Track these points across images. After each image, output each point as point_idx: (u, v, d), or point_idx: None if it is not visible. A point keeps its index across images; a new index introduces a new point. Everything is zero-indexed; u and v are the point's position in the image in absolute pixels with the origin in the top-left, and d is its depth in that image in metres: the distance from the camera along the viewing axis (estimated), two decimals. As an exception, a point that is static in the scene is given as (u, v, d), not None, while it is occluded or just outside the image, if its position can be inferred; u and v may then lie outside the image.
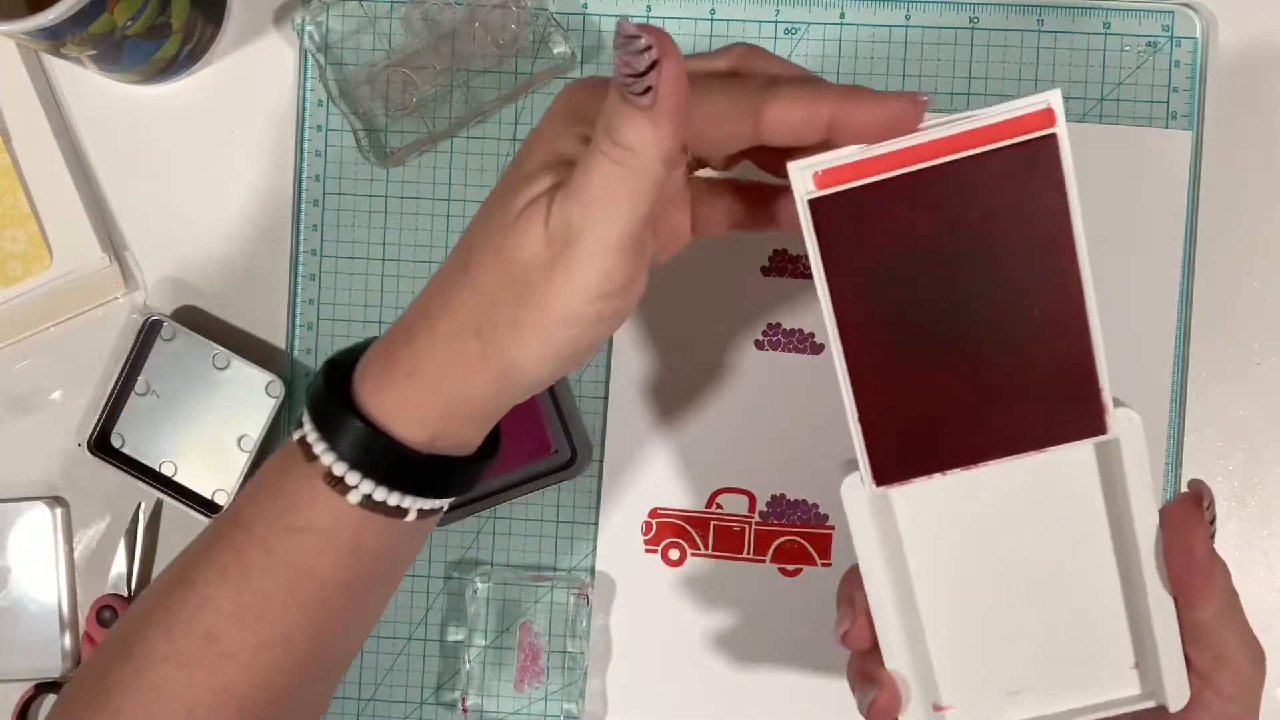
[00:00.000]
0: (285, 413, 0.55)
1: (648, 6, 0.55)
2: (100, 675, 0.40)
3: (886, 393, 0.36)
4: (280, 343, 0.56)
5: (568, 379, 0.54)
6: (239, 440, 0.55)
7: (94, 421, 0.55)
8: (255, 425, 0.55)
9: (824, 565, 0.54)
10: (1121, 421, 0.36)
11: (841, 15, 0.54)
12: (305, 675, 0.40)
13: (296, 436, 0.39)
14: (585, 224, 0.34)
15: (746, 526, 0.54)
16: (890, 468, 0.36)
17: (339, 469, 0.38)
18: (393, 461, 0.38)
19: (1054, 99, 0.34)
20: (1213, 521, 0.38)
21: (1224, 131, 0.53)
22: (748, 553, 0.54)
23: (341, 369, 0.40)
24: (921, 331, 0.35)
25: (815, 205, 0.34)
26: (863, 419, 0.36)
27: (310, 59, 0.55)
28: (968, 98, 0.54)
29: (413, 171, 0.55)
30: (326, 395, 0.38)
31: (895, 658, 0.38)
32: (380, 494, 0.38)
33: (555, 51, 0.54)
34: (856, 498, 0.37)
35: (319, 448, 0.38)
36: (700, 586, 0.54)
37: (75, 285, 0.55)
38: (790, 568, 0.54)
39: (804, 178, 0.35)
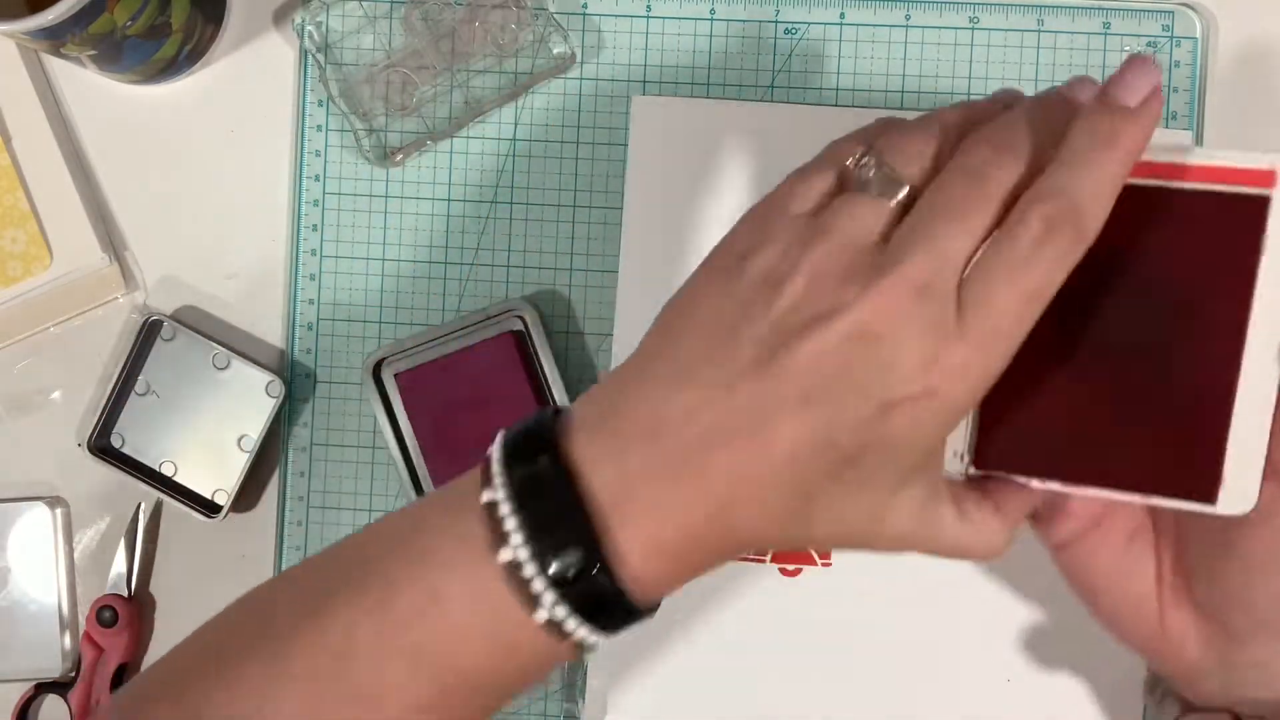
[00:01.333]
0: (285, 412, 0.55)
1: (648, 6, 0.55)
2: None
3: (1013, 386, 0.34)
4: (280, 343, 0.56)
5: (571, 377, 0.54)
6: (239, 440, 0.55)
7: (94, 421, 0.55)
8: (255, 425, 0.55)
9: (824, 565, 0.54)
10: (1234, 497, 0.34)
11: (841, 15, 0.54)
12: None
13: (530, 599, 0.33)
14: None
15: (746, 526, 0.54)
16: (992, 456, 0.36)
17: (582, 634, 0.34)
18: (611, 611, 0.34)
19: (1279, 162, 0.33)
20: None
21: (1224, 132, 0.53)
22: (748, 553, 0.54)
23: (567, 498, 0.34)
24: (1065, 336, 0.34)
25: None
26: (984, 401, 0.34)
27: (310, 59, 0.55)
28: (968, 98, 0.54)
29: (413, 172, 0.55)
30: (570, 547, 0.33)
31: None
32: (588, 637, 0.35)
33: (555, 52, 0.54)
34: None
35: (572, 624, 0.34)
36: (700, 586, 0.54)
37: (75, 285, 0.55)
38: (790, 567, 0.54)
39: None
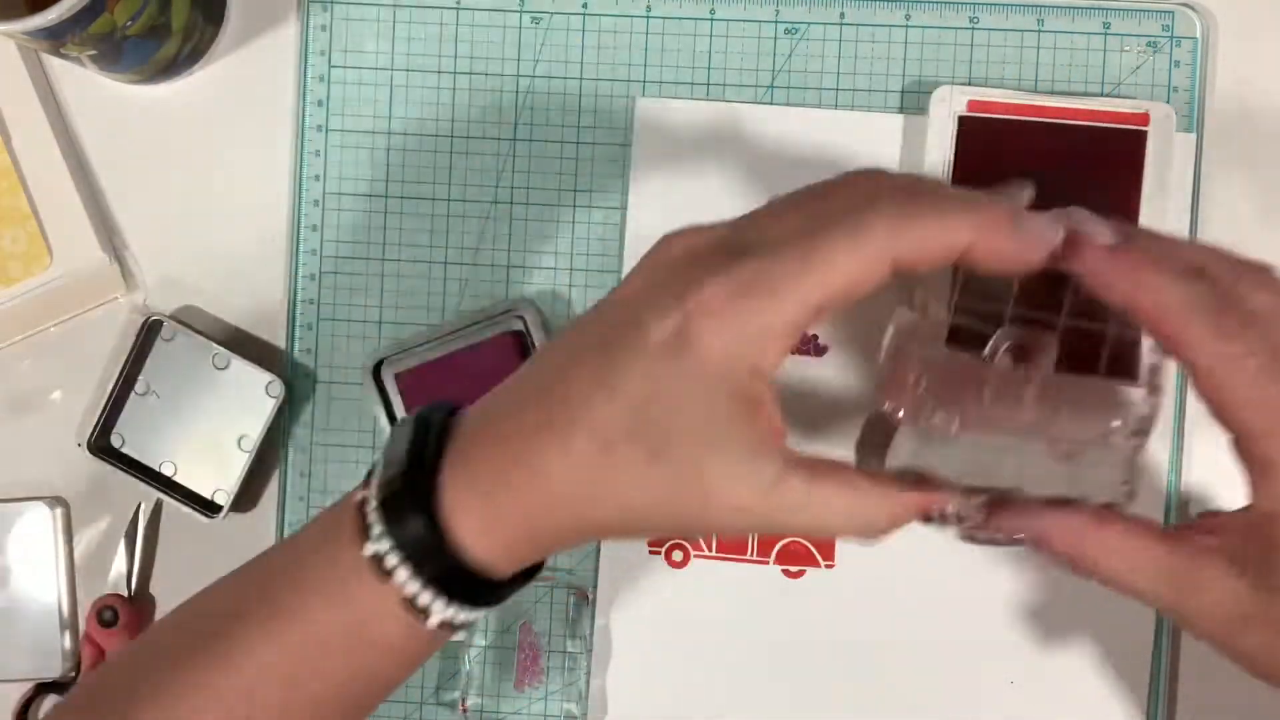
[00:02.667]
0: (285, 413, 0.55)
1: (648, 7, 0.55)
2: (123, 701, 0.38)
3: None
4: (280, 343, 0.56)
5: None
6: (239, 440, 0.55)
7: (94, 421, 0.55)
8: (255, 425, 0.55)
9: (827, 567, 0.54)
10: None
11: (841, 15, 0.54)
12: None
13: (370, 552, 0.36)
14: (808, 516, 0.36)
15: (749, 527, 0.54)
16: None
17: (414, 590, 0.36)
18: (465, 583, 0.36)
19: (1154, 109, 0.51)
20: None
21: (1224, 131, 0.53)
22: (751, 554, 0.54)
23: (429, 422, 0.37)
24: None
25: (962, 120, 0.51)
26: None
27: (310, 59, 0.55)
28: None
29: (413, 171, 0.55)
30: (403, 469, 0.36)
31: None
32: (437, 605, 0.36)
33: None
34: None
35: (391, 560, 0.36)
36: (703, 588, 0.54)
37: (75, 285, 0.55)
38: (794, 569, 0.54)
39: (960, 102, 0.51)
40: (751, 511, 0.35)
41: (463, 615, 0.37)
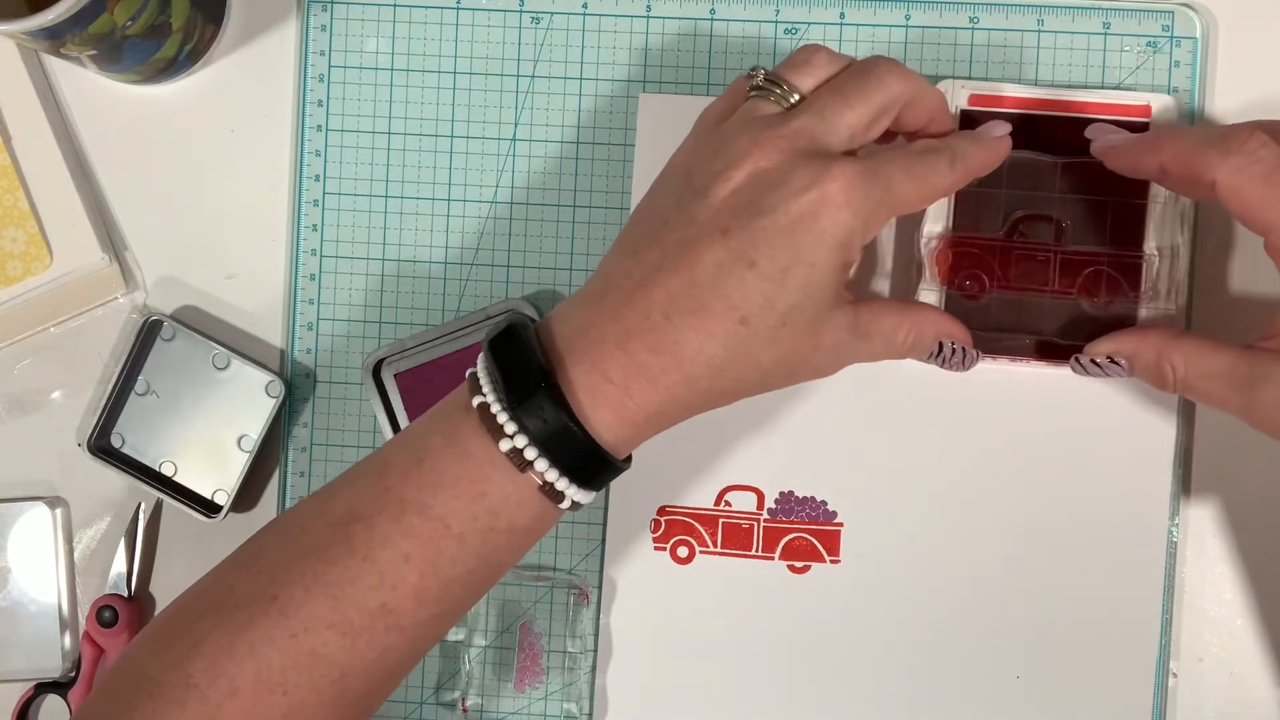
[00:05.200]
0: (285, 412, 0.55)
1: (648, 7, 0.55)
2: (234, 629, 0.40)
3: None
4: (280, 343, 0.56)
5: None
6: (239, 440, 0.55)
7: (94, 421, 0.55)
8: (255, 425, 0.55)
9: (833, 562, 0.54)
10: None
11: (841, 15, 0.54)
12: (438, 639, 0.44)
13: (508, 447, 0.40)
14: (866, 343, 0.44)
15: (755, 523, 0.54)
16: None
17: (553, 478, 0.40)
18: (586, 459, 0.41)
19: (1155, 100, 0.52)
20: None
21: (1224, 131, 0.53)
22: (756, 550, 0.54)
23: (527, 341, 0.41)
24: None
25: (964, 115, 0.52)
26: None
27: (310, 59, 0.55)
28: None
29: (413, 171, 0.55)
30: (527, 378, 0.40)
31: None
32: (571, 490, 0.41)
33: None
34: None
35: (530, 453, 0.40)
36: (709, 584, 0.54)
37: (75, 285, 0.55)
38: (799, 564, 0.54)
39: (962, 96, 0.52)
40: (841, 348, 0.43)
41: (585, 495, 0.42)
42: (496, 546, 0.41)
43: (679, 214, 0.41)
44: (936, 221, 0.51)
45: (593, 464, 0.41)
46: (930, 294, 0.51)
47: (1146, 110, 0.52)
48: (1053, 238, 0.51)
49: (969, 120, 0.51)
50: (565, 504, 0.41)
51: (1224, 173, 0.42)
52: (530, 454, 0.40)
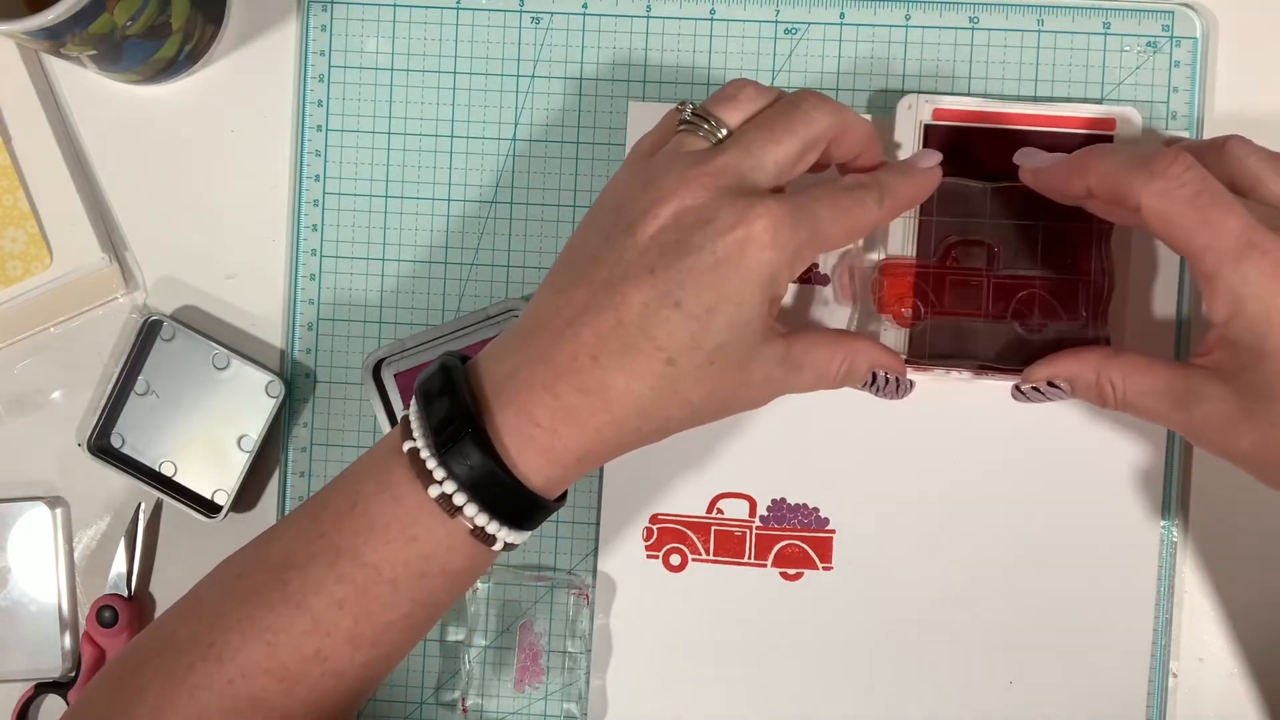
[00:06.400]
0: (285, 412, 0.55)
1: (648, 7, 0.55)
2: (176, 675, 0.40)
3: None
4: (280, 343, 0.56)
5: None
6: (239, 440, 0.55)
7: (94, 421, 0.55)
8: (255, 425, 0.55)
9: (825, 569, 0.54)
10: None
11: (841, 15, 0.54)
12: (380, 680, 0.44)
13: (436, 493, 0.40)
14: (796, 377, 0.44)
15: (748, 531, 0.54)
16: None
17: (483, 522, 0.41)
18: (515, 502, 0.41)
19: (1119, 113, 0.51)
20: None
21: (1224, 131, 0.53)
22: (749, 557, 0.54)
23: (456, 385, 0.41)
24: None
25: (928, 129, 0.51)
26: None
27: (310, 59, 0.55)
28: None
29: (413, 171, 0.55)
30: (454, 422, 0.40)
31: None
32: (502, 533, 0.41)
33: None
34: None
35: (460, 499, 0.40)
36: (701, 592, 0.54)
37: (75, 285, 0.55)
38: (791, 572, 0.54)
39: (926, 111, 0.51)
40: (772, 381, 0.43)
41: (517, 536, 0.42)
42: (431, 590, 0.42)
43: (607, 251, 0.41)
44: (872, 250, 0.52)
45: (522, 506, 0.41)
46: (869, 322, 0.52)
47: (1111, 124, 0.52)
48: (985, 263, 0.51)
49: (934, 134, 0.51)
50: (498, 546, 0.42)
51: (1149, 196, 0.42)
52: (459, 499, 0.40)
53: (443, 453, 0.40)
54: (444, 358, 0.43)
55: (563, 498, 0.43)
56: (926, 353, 0.51)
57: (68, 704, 0.56)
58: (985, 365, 0.51)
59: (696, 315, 0.40)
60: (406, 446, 0.41)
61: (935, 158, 0.47)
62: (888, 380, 0.47)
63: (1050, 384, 0.48)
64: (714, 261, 0.40)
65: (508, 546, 0.42)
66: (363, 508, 0.41)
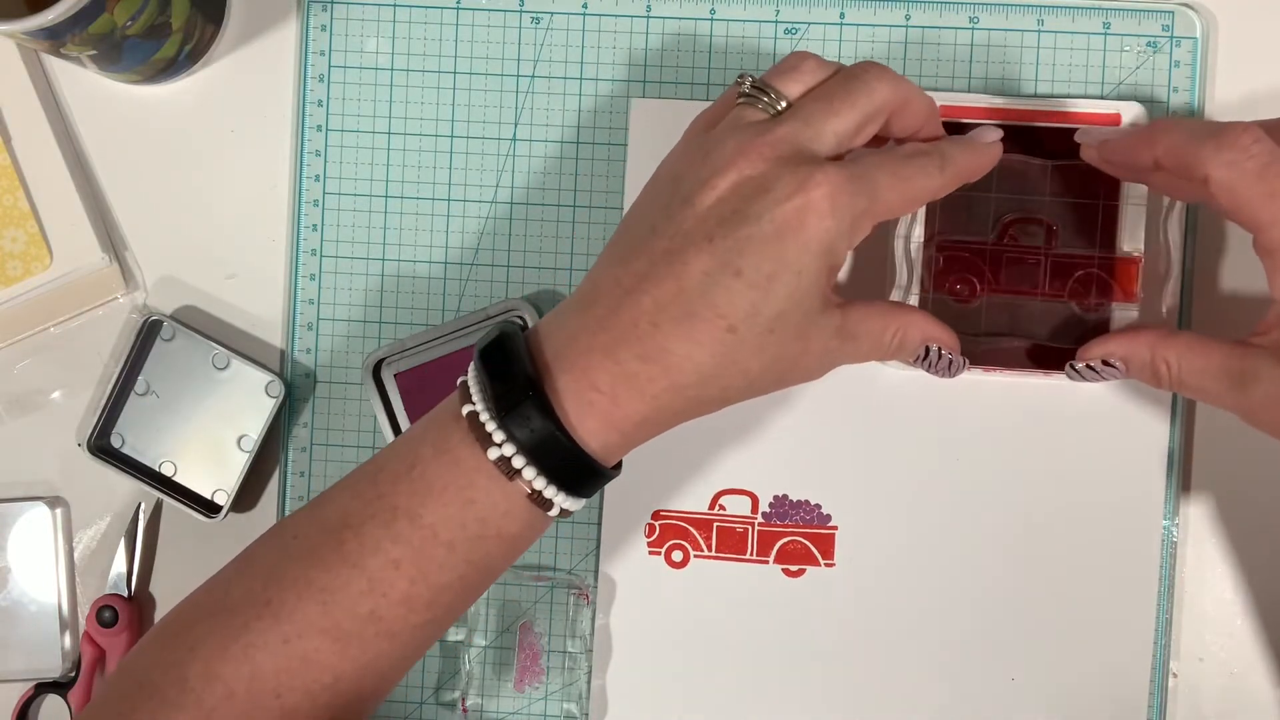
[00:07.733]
0: (285, 412, 0.55)
1: (648, 7, 0.55)
2: (231, 633, 0.41)
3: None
4: (280, 343, 0.56)
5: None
6: (239, 440, 0.55)
7: (94, 421, 0.55)
8: (255, 425, 0.55)
9: (827, 566, 0.54)
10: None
11: (841, 15, 0.54)
12: (430, 645, 0.44)
13: (495, 455, 0.40)
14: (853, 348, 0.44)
15: (749, 527, 0.54)
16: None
17: (541, 485, 0.41)
18: (574, 468, 0.41)
19: (1124, 109, 0.51)
20: None
21: (1224, 131, 0.53)
22: (751, 554, 0.54)
23: (517, 351, 0.41)
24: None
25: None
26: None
27: (310, 59, 0.55)
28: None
29: (413, 171, 0.55)
30: (515, 387, 0.40)
31: None
32: (559, 499, 0.41)
33: (555, 51, 0.54)
34: None
35: (518, 461, 0.40)
36: (703, 588, 0.54)
37: (75, 285, 0.55)
38: (794, 568, 0.54)
39: None
40: (829, 351, 0.43)
41: (574, 503, 0.42)
42: (486, 553, 0.42)
43: (666, 222, 0.41)
44: (922, 225, 0.51)
45: (581, 472, 0.41)
46: (915, 299, 0.51)
47: (1117, 119, 0.51)
48: (1043, 241, 0.51)
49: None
50: (554, 511, 0.42)
51: (1217, 167, 0.42)
52: (518, 462, 0.40)
53: (503, 415, 0.40)
54: (503, 324, 0.43)
55: (618, 467, 0.43)
56: (981, 330, 0.51)
57: (68, 704, 0.56)
58: (1039, 345, 0.51)
59: (757, 284, 0.40)
60: (465, 410, 0.41)
61: (997, 133, 0.47)
62: (941, 356, 0.46)
63: (1105, 363, 0.47)
64: (773, 230, 0.40)
65: (563, 513, 0.42)
66: (420, 470, 0.41)
